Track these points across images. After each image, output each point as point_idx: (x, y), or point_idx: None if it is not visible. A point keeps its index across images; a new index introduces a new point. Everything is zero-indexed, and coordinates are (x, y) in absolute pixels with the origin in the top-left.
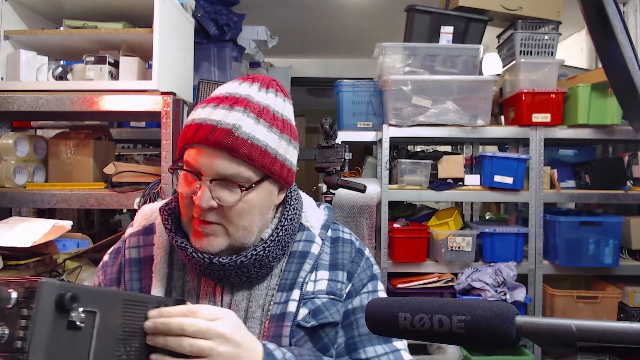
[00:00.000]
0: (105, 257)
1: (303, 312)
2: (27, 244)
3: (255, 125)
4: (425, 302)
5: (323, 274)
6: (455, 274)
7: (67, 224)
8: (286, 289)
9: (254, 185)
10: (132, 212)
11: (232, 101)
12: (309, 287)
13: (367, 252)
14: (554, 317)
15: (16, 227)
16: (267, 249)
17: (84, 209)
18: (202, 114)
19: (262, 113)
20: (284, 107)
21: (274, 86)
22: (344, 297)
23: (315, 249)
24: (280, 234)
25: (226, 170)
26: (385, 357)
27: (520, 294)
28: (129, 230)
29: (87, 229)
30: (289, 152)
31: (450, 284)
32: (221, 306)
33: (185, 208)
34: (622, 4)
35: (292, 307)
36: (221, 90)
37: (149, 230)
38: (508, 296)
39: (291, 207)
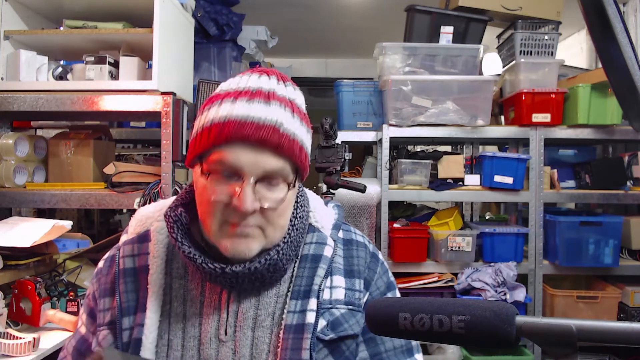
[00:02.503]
0: (100, 264)
1: (321, 323)
2: (27, 244)
3: (292, 120)
4: (425, 302)
5: (339, 281)
6: (455, 274)
7: (67, 224)
8: (301, 297)
9: (296, 182)
10: (132, 212)
11: (263, 95)
12: (326, 295)
13: (380, 256)
14: (554, 317)
15: (16, 227)
16: (280, 252)
17: (84, 209)
18: (237, 110)
19: (293, 107)
20: (302, 99)
21: (286, 79)
22: (362, 306)
23: (327, 251)
24: (293, 235)
25: (273, 167)
26: None
27: (520, 294)
28: (124, 238)
29: (87, 229)
30: (310, 145)
31: (450, 284)
32: (227, 315)
33: (217, 214)
34: (622, 4)
35: (310, 317)
36: (239, 85)
37: (143, 238)
38: (508, 296)
39: (299, 205)
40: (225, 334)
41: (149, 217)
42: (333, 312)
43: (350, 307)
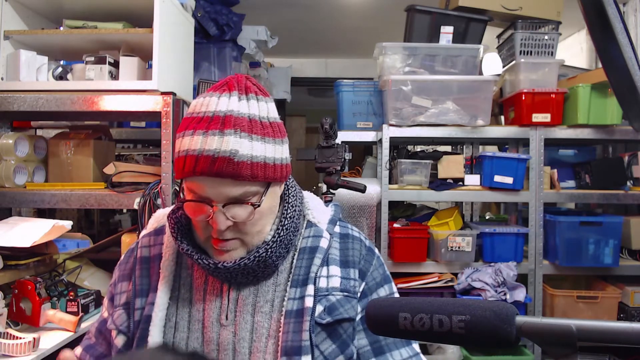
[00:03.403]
0: (122, 257)
1: (318, 308)
2: (27, 244)
3: (250, 143)
4: (425, 302)
5: (335, 270)
6: (455, 274)
7: (67, 224)
8: (299, 285)
9: (263, 197)
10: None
11: (219, 123)
12: (322, 283)
13: (377, 252)
14: (554, 317)
15: (16, 227)
16: (269, 250)
17: (84, 209)
18: (195, 144)
19: (252, 127)
20: (268, 109)
21: (252, 89)
22: (357, 294)
23: (323, 243)
24: (282, 234)
25: (234, 194)
26: None
27: (520, 294)
28: (143, 232)
29: (87, 229)
30: (284, 152)
31: (450, 284)
32: (228, 301)
33: (201, 230)
34: (622, 4)
35: (308, 302)
36: (201, 108)
37: (159, 231)
38: (508, 296)
39: (290, 205)
40: (226, 318)
41: (165, 214)
42: (329, 298)
43: (345, 293)
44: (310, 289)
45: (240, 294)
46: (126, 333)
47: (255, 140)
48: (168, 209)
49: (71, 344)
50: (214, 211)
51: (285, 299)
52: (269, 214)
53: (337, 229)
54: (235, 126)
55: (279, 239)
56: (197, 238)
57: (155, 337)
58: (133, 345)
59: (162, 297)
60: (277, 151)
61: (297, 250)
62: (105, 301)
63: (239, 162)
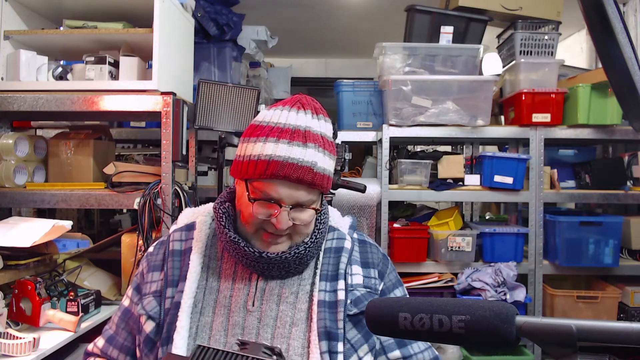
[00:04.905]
0: (150, 249)
1: None
2: (27, 244)
3: (323, 157)
4: (425, 302)
5: (357, 269)
6: (455, 274)
7: (67, 224)
8: (329, 279)
9: (319, 204)
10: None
11: (301, 136)
12: (347, 280)
13: (390, 260)
14: (554, 317)
15: (16, 227)
16: (307, 249)
17: (84, 209)
18: (280, 151)
19: (324, 144)
20: (330, 129)
21: (319, 110)
22: (378, 291)
23: (347, 244)
24: (318, 236)
25: (303, 199)
26: (426, 352)
27: (520, 294)
28: (173, 227)
29: (87, 229)
30: (333, 167)
31: (450, 284)
32: (255, 290)
33: (255, 223)
34: (622, 4)
35: (341, 295)
36: (279, 119)
37: (190, 227)
38: (508, 296)
39: (322, 212)
40: (253, 305)
41: (195, 212)
42: (354, 292)
43: (368, 290)
44: (341, 284)
45: (267, 284)
46: (156, 319)
47: (326, 156)
48: (196, 208)
49: (71, 344)
50: (280, 211)
51: (316, 290)
52: (314, 220)
53: (355, 235)
54: (315, 141)
55: (315, 240)
56: (243, 230)
57: (183, 321)
58: (163, 331)
59: (190, 285)
60: (332, 166)
61: (323, 250)
62: (130, 290)
63: (316, 173)
